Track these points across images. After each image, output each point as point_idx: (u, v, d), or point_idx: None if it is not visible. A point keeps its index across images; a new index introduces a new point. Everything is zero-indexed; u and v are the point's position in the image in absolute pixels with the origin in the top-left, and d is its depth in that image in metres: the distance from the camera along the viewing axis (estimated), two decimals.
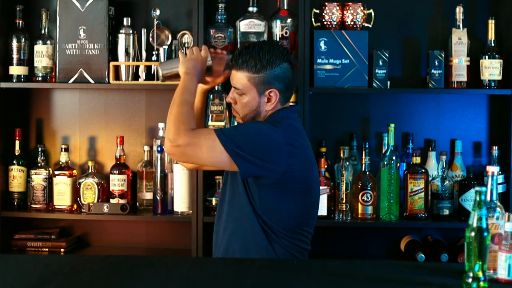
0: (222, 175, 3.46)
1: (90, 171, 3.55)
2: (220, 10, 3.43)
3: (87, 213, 3.46)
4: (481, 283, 1.95)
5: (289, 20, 3.40)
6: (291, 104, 2.73)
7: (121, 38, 3.49)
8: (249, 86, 2.58)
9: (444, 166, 3.37)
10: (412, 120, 3.56)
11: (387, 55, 3.37)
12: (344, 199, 3.35)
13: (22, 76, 3.52)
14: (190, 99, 2.61)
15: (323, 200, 3.27)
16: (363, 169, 3.37)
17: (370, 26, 3.44)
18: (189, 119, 2.55)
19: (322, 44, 3.37)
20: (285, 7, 3.41)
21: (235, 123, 3.38)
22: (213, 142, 2.49)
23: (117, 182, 3.50)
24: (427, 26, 3.55)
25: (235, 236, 2.60)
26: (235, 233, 2.60)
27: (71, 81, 3.49)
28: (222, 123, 3.40)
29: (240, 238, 2.58)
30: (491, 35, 3.37)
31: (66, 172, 3.53)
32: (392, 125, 3.33)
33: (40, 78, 3.52)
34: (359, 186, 3.35)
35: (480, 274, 1.95)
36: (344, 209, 3.35)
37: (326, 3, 3.40)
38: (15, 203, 3.55)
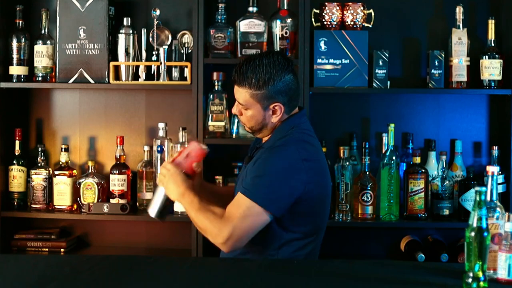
0: (224, 176, 3.48)
1: (90, 171, 3.55)
2: (220, 10, 3.43)
3: (87, 213, 3.46)
4: (481, 283, 1.95)
5: (289, 20, 3.40)
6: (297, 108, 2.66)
7: (121, 38, 3.49)
8: (252, 102, 2.53)
9: (444, 166, 3.37)
10: (412, 120, 3.56)
11: (387, 55, 3.37)
12: (344, 199, 3.35)
13: (22, 76, 3.52)
14: (199, 203, 2.51)
15: None
16: (363, 169, 3.37)
17: (370, 26, 3.43)
18: (214, 213, 2.47)
19: (322, 44, 3.37)
20: (285, 7, 3.41)
21: (235, 123, 3.39)
22: (247, 209, 2.43)
23: (117, 182, 3.50)
24: (427, 26, 3.55)
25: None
26: None
27: (71, 81, 3.49)
28: (222, 123, 3.39)
29: (252, 241, 2.53)
30: (491, 35, 3.36)
31: (66, 172, 3.52)
32: (392, 125, 3.33)
33: (40, 78, 3.51)
34: (359, 186, 3.35)
35: (480, 274, 1.95)
36: (344, 209, 3.35)
37: (326, 3, 3.40)
38: (15, 203, 3.55)
